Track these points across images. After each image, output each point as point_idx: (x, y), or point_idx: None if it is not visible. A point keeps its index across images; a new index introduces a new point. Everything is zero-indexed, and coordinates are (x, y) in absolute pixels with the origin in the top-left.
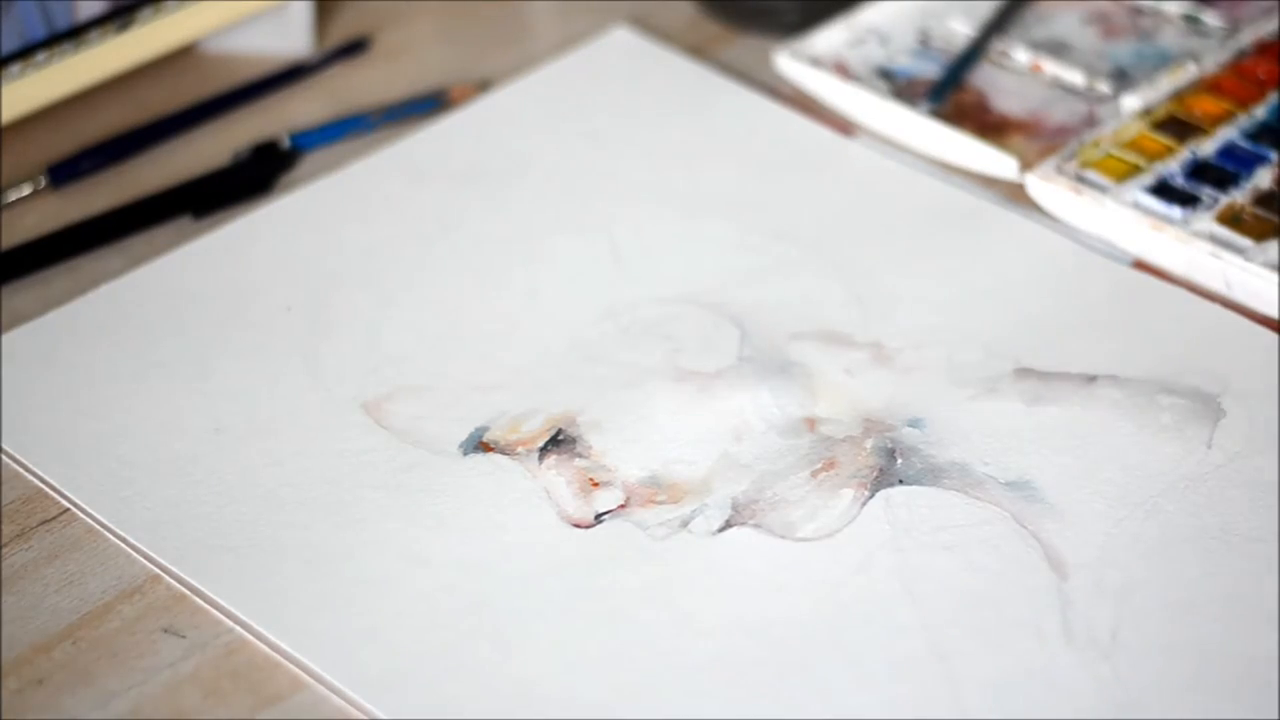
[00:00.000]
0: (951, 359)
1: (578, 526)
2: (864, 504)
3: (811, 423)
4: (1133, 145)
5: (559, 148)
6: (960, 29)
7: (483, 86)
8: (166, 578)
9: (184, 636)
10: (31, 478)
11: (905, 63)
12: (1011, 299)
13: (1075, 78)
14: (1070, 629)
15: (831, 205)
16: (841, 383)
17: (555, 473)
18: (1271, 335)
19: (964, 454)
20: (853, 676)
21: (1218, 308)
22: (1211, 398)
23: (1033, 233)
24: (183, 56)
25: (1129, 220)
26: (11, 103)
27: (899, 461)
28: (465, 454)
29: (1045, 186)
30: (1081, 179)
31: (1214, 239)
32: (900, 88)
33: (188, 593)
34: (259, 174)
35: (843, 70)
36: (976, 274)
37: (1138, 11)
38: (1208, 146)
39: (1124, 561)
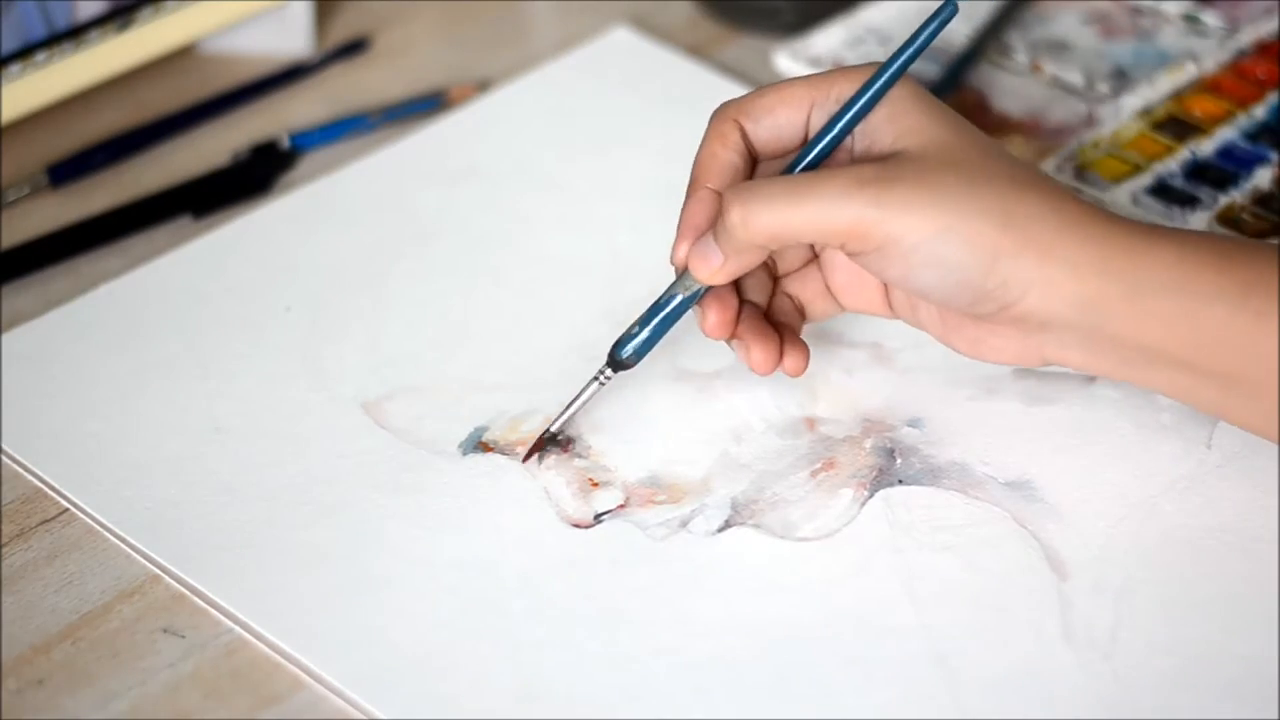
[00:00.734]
0: (950, 359)
1: (577, 526)
2: (863, 504)
3: (811, 423)
4: (1132, 145)
5: (559, 147)
6: (960, 29)
7: (482, 86)
8: (166, 578)
9: (184, 636)
10: (31, 478)
11: None
12: None
13: (1075, 78)
14: (1070, 629)
15: None
16: (841, 383)
17: (555, 473)
18: None
19: (963, 454)
20: (852, 676)
21: None
22: None
23: None
24: (183, 56)
25: None
26: (11, 103)
27: (898, 461)
28: (465, 454)
29: None
30: (1081, 179)
31: None
32: None
33: (187, 593)
34: (259, 174)
35: None
36: None
37: (1137, 11)
38: (1207, 147)
39: (1123, 561)
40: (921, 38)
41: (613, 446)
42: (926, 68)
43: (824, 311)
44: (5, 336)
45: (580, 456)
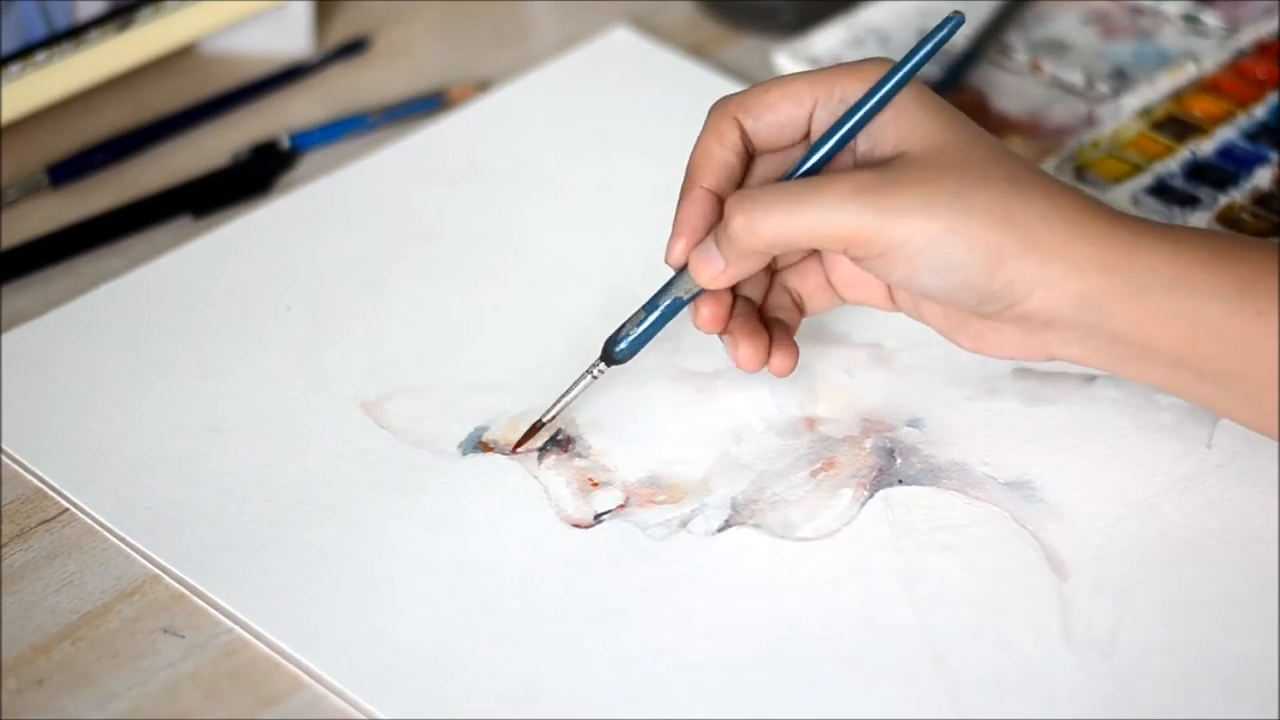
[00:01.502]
0: (951, 359)
1: (577, 526)
2: (863, 504)
3: (811, 422)
4: (1132, 145)
5: (559, 147)
6: (960, 29)
7: (482, 86)
8: (166, 578)
9: (183, 636)
10: (31, 478)
11: None
12: None
13: (1075, 78)
14: (1070, 629)
15: None
16: (841, 383)
17: (555, 473)
18: None
19: (963, 454)
20: (852, 676)
21: None
22: None
23: None
24: (183, 56)
25: None
26: (11, 103)
27: (898, 461)
28: (465, 454)
29: None
30: (1081, 179)
31: None
32: None
33: (187, 593)
34: (259, 174)
35: None
36: None
37: (1137, 11)
38: (1207, 146)
39: (1123, 561)
40: (927, 47)
41: (613, 446)
42: (927, 67)
43: (824, 305)
44: (5, 336)
45: (580, 456)
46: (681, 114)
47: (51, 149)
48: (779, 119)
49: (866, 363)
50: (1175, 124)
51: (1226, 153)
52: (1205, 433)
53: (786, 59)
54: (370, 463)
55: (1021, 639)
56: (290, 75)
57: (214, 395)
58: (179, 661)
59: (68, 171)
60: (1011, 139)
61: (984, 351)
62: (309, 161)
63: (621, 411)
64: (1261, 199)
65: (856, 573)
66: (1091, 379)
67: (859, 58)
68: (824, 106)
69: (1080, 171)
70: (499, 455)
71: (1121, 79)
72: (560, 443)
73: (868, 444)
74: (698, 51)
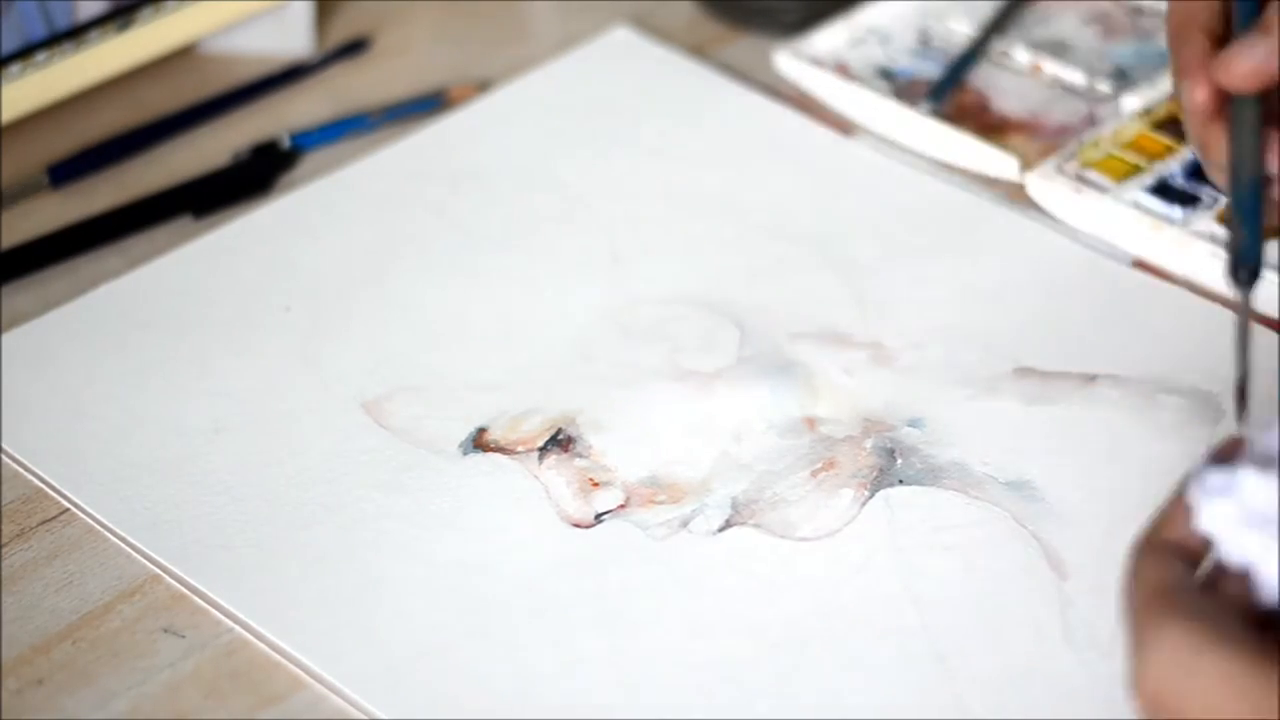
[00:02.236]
0: (951, 359)
1: (578, 526)
2: (864, 504)
3: (811, 422)
4: (1133, 145)
5: (559, 147)
6: (960, 29)
7: (483, 86)
8: (166, 578)
9: (184, 636)
10: (31, 478)
11: (905, 63)
12: (1011, 299)
13: (1075, 78)
14: (1070, 629)
15: (831, 205)
16: (841, 382)
17: (555, 473)
18: (1272, 335)
19: (963, 454)
20: (852, 676)
21: (1218, 308)
22: (1211, 397)
23: (1033, 233)
24: (183, 56)
25: (1129, 220)
26: (11, 103)
27: (899, 461)
28: (465, 454)
29: (1045, 186)
30: (1082, 179)
31: (1214, 239)
32: (900, 88)
33: (187, 593)
34: (259, 174)
35: (843, 70)
36: (976, 274)
37: (1138, 11)
38: None
39: (1123, 561)
40: None
41: (613, 446)
42: (927, 67)
43: None
44: (5, 336)
45: (581, 456)
46: (681, 114)
47: (51, 149)
48: None
49: (866, 363)
50: (1176, 124)
51: None
52: (1206, 432)
53: (787, 59)
54: (370, 462)
55: (1021, 639)
56: (290, 75)
57: (214, 395)
58: (179, 661)
59: (68, 171)
60: (1012, 139)
61: None
62: (309, 161)
63: (622, 411)
64: None
65: (857, 573)
66: (1092, 379)
67: (860, 58)
68: None
69: (1081, 171)
70: (499, 455)
71: (1122, 79)
72: (560, 442)
73: (868, 444)
74: (698, 51)
